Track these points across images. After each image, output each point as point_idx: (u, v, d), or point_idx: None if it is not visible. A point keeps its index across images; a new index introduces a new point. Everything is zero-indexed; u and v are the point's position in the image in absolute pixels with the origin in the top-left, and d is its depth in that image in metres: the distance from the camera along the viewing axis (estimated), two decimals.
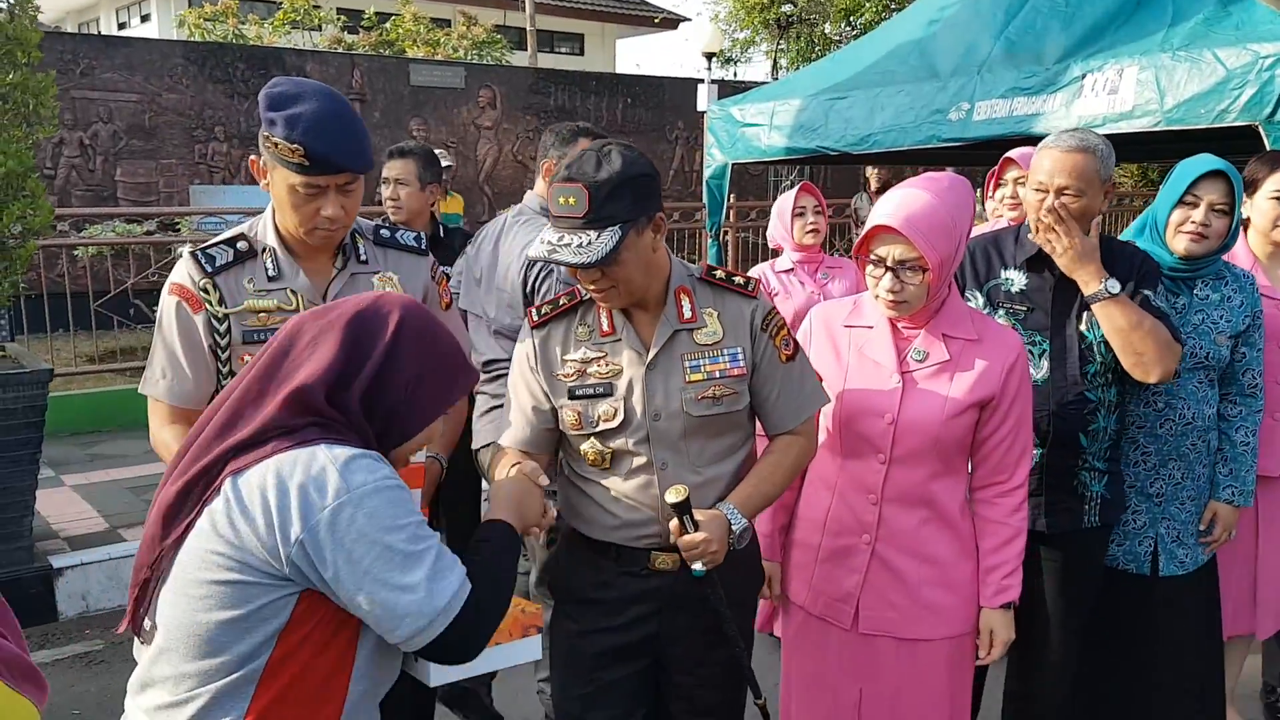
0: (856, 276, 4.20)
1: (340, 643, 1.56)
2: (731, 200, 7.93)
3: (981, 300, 2.78)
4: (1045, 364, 2.72)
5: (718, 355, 2.20)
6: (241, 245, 2.28)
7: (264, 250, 2.28)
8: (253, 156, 2.24)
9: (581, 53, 32.12)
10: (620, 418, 2.18)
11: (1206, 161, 2.88)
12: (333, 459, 1.48)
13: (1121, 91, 4.82)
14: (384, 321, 1.61)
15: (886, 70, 5.94)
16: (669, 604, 2.24)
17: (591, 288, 2.15)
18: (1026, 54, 5.30)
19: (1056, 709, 2.89)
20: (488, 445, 3.06)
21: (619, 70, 27.37)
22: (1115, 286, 2.61)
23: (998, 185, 4.43)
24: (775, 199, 4.78)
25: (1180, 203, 2.89)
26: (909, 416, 2.34)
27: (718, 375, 2.19)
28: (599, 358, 2.22)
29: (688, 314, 2.21)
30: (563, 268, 2.57)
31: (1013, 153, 4.29)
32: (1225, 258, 3.16)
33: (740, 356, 2.21)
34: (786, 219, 4.36)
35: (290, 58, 14.14)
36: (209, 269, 2.23)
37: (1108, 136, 5.14)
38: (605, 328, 2.23)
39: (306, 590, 1.50)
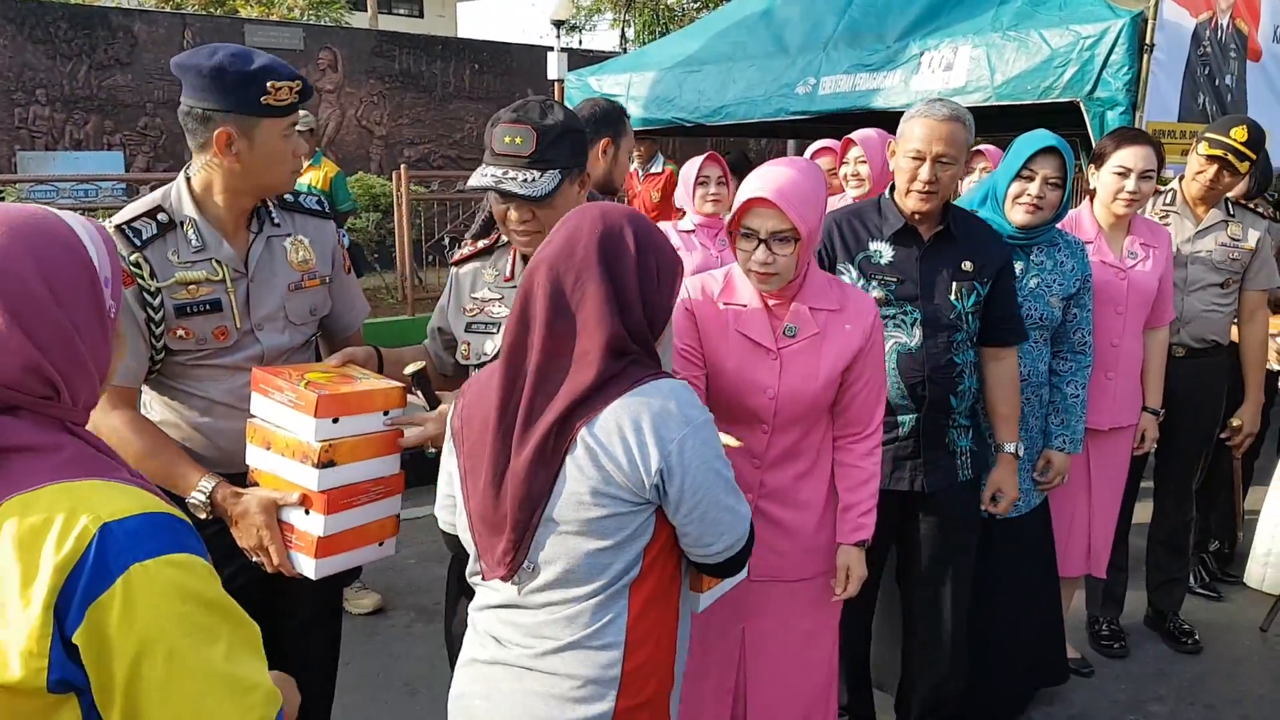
0: None
1: (678, 546, 1.80)
2: None
3: (855, 273, 2.91)
4: (918, 332, 2.87)
5: None
6: (162, 217, 2.24)
7: (184, 222, 2.25)
8: (220, 130, 2.17)
9: (421, 15, 31.44)
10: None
11: (1042, 138, 3.12)
12: (668, 395, 1.70)
13: (956, 68, 5.11)
14: (623, 237, 1.74)
15: (737, 43, 6.12)
16: None
17: (522, 228, 2.28)
18: (869, 33, 5.55)
19: (952, 650, 3.13)
20: None
21: (461, 35, 26.95)
22: (1019, 449, 3.12)
23: (841, 163, 4.66)
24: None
25: (1018, 176, 3.12)
26: (788, 389, 2.49)
27: None
28: (497, 299, 2.42)
29: None
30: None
31: (854, 135, 4.53)
32: (1071, 228, 3.44)
33: None
34: (689, 186, 4.43)
35: (116, 17, 13.46)
36: (138, 243, 2.19)
37: None
38: (508, 274, 2.43)
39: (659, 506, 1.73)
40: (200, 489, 2.16)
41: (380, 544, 2.29)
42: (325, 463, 2.08)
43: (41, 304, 1.24)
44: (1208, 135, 3.83)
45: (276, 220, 2.39)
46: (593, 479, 1.66)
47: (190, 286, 2.23)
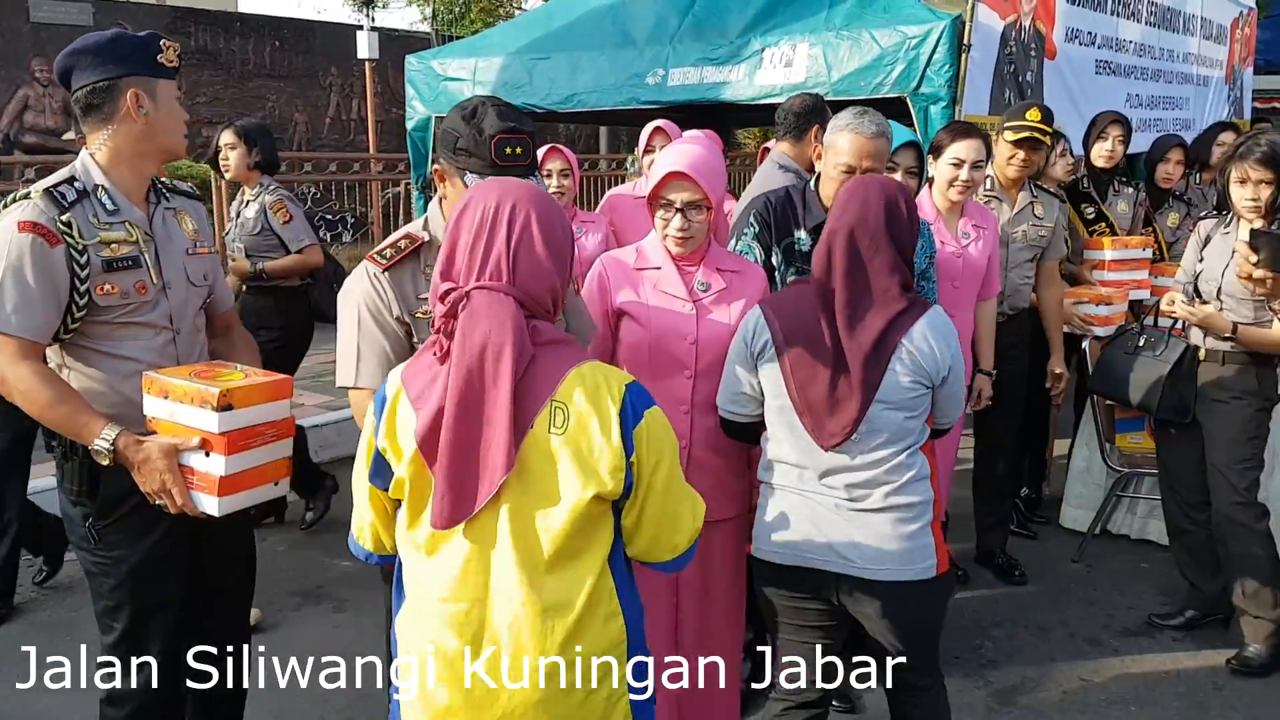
0: (606, 231, 4.63)
1: None
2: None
3: (780, 257, 3.24)
4: None
5: None
6: (78, 185, 2.43)
7: (96, 189, 2.44)
8: (130, 91, 2.40)
9: None
10: None
11: (901, 134, 3.53)
12: (943, 318, 2.56)
13: (796, 65, 5.49)
14: (898, 207, 2.51)
15: (585, 34, 6.31)
16: None
17: None
18: (713, 29, 5.84)
19: None
20: None
21: (241, 10, 25.88)
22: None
23: (647, 151, 4.93)
24: None
25: None
26: (706, 335, 2.81)
27: None
28: None
29: None
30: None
31: (660, 122, 4.82)
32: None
33: None
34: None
35: None
36: (65, 204, 2.37)
37: (780, 105, 5.83)
38: None
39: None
40: (104, 437, 2.33)
41: (275, 484, 2.52)
42: (224, 406, 2.28)
43: (560, 246, 1.83)
44: (1009, 124, 4.38)
45: (166, 195, 2.63)
46: (911, 370, 2.48)
47: (112, 245, 2.43)
